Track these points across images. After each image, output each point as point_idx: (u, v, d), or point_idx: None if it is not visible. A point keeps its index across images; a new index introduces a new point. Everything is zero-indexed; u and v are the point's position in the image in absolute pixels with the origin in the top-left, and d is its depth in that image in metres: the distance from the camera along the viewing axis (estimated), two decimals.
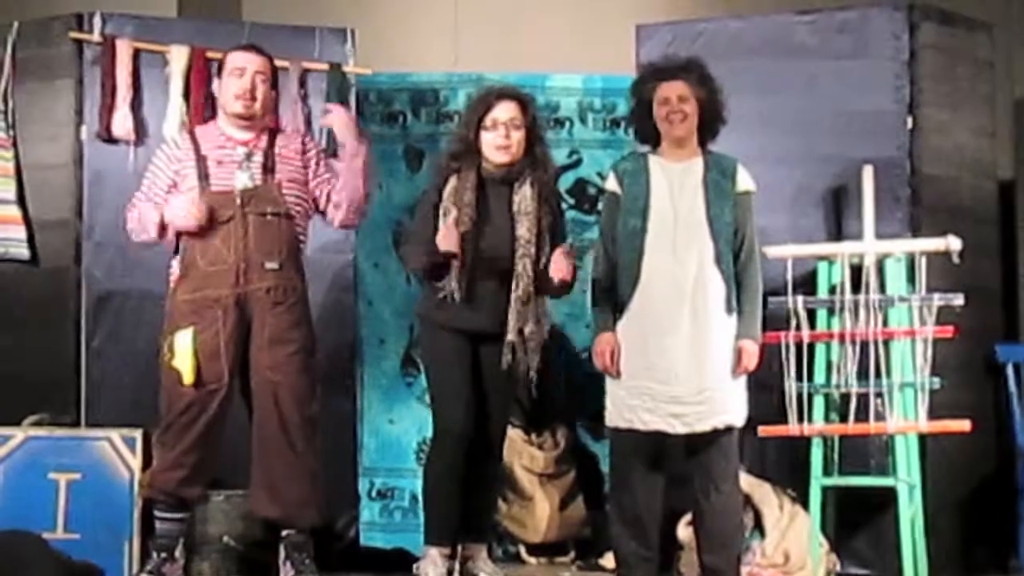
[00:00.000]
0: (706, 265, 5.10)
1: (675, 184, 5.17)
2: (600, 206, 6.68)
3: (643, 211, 5.15)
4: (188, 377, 5.17)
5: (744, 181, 5.22)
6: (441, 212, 5.33)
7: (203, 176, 5.28)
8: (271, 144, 5.37)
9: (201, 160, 5.30)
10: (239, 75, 5.35)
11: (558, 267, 5.25)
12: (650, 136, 5.28)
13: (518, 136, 5.37)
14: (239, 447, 5.37)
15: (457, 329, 5.32)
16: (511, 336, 5.29)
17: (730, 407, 5.11)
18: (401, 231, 6.59)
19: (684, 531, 5.73)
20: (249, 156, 5.32)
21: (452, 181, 5.36)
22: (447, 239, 5.20)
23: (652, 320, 5.09)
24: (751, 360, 5.13)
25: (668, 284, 5.08)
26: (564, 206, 6.62)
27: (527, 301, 5.30)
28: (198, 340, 5.18)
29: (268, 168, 5.32)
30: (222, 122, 5.41)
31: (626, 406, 5.11)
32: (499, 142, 5.35)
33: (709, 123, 5.22)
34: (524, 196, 5.36)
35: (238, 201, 5.24)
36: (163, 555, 5.32)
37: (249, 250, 5.23)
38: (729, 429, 5.11)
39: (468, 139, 5.38)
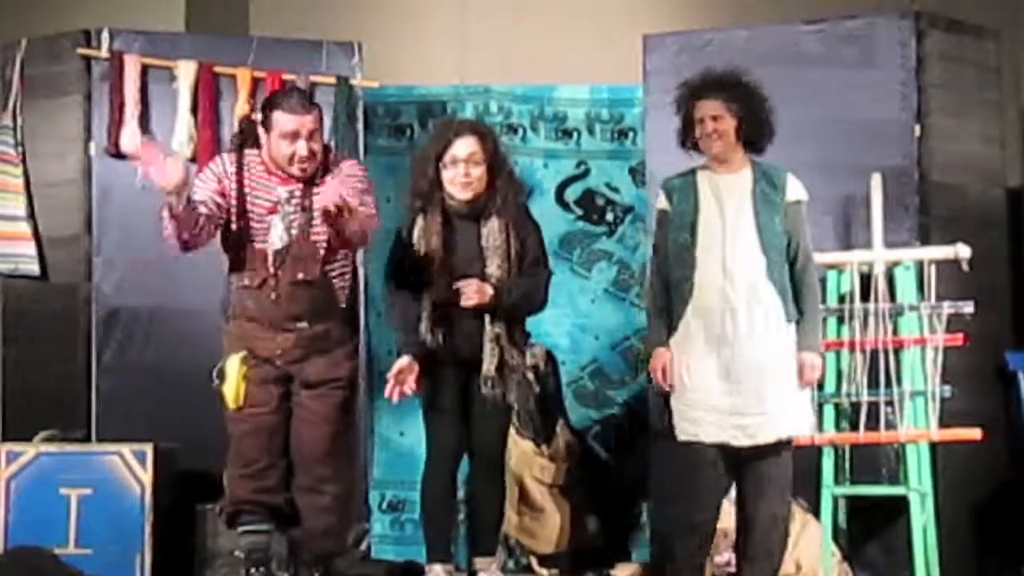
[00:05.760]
0: (758, 276, 5.07)
1: (723, 196, 5.15)
2: (614, 217, 6.76)
3: (691, 225, 5.13)
4: (232, 402, 5.09)
5: (795, 191, 5.19)
6: (413, 251, 5.31)
7: (241, 213, 5.11)
8: (309, 186, 5.15)
9: (240, 199, 5.12)
10: (292, 139, 5.08)
11: (467, 291, 5.25)
12: (696, 147, 5.26)
13: (479, 172, 5.33)
14: None
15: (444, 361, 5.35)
16: (489, 370, 5.28)
17: (793, 417, 5.10)
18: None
19: None
20: (288, 199, 5.14)
21: (419, 222, 5.35)
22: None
23: (706, 333, 5.07)
24: (813, 373, 5.11)
25: (720, 296, 5.07)
26: (571, 216, 6.70)
27: (500, 336, 5.30)
28: (247, 365, 5.10)
29: (304, 212, 5.12)
30: (268, 167, 5.16)
31: (688, 419, 5.10)
32: (460, 180, 5.32)
33: (751, 134, 5.19)
34: (492, 230, 5.34)
35: (270, 261, 5.11)
36: (261, 569, 5.19)
37: (281, 311, 5.11)
38: (790, 440, 5.11)
39: (429, 175, 5.35)
